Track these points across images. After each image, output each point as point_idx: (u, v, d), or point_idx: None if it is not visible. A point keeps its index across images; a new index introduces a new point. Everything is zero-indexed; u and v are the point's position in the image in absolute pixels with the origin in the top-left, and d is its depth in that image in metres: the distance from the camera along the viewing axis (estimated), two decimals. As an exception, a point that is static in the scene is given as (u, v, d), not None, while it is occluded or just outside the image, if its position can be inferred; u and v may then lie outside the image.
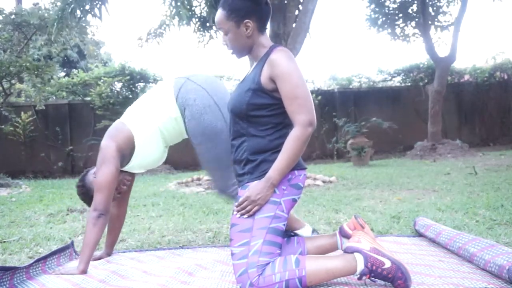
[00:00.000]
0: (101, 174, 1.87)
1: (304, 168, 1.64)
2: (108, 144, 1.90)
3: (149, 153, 2.00)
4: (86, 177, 2.07)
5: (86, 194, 2.05)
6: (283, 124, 1.59)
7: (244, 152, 1.60)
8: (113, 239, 2.21)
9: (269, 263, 1.50)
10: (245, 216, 1.53)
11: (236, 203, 1.57)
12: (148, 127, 1.96)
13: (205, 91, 1.95)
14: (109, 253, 2.20)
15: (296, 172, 1.59)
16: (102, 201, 1.86)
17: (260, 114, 1.57)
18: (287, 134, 1.55)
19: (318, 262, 1.51)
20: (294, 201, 1.60)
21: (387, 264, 1.46)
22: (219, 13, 1.61)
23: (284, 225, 1.56)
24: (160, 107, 1.97)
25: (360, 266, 1.48)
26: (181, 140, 2.16)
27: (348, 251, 1.53)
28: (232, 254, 1.53)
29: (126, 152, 1.94)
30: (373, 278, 1.51)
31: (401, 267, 1.46)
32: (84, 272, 1.81)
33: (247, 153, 1.59)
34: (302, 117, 1.49)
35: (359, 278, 1.49)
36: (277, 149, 1.56)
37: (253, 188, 1.53)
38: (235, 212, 1.57)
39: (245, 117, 1.59)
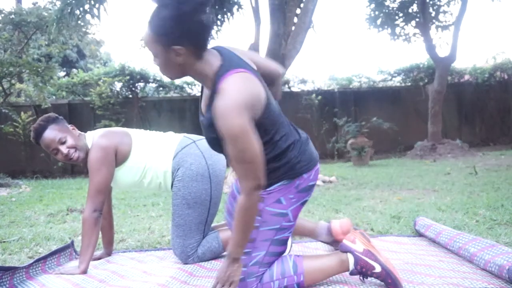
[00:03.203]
0: (101, 176, 1.86)
1: (313, 168, 1.52)
2: (108, 144, 1.90)
3: (126, 175, 1.99)
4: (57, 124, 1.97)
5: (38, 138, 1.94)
6: (268, 141, 1.43)
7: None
8: (110, 237, 2.21)
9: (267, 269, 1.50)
10: None
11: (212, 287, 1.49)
12: (140, 156, 1.97)
13: (204, 160, 1.96)
14: (109, 252, 2.19)
15: (305, 175, 1.49)
16: (101, 203, 1.86)
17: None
18: (276, 144, 1.44)
19: (315, 264, 1.51)
20: (303, 204, 1.53)
21: (377, 269, 1.47)
22: (146, 34, 1.31)
23: (290, 232, 1.51)
24: (158, 153, 1.99)
25: (351, 267, 1.51)
26: (155, 191, 2.15)
27: (342, 249, 1.54)
28: None
29: (116, 160, 1.95)
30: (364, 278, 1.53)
31: (391, 275, 1.46)
32: (84, 272, 1.81)
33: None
34: (248, 184, 1.33)
35: (351, 274, 1.52)
36: (272, 161, 1.45)
37: (220, 270, 1.46)
38: None
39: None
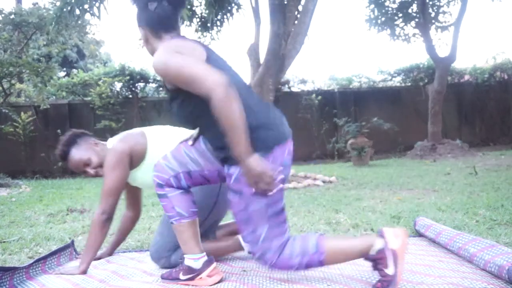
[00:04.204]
0: (113, 178, 1.83)
1: (284, 140, 1.49)
2: (123, 148, 1.86)
3: (146, 175, 1.95)
4: (77, 143, 1.98)
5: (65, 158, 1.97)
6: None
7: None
8: (120, 239, 2.21)
9: (287, 241, 1.50)
10: (239, 204, 1.49)
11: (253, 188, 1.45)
12: (156, 155, 1.90)
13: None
14: (110, 253, 2.19)
15: (277, 150, 1.46)
16: (112, 206, 1.83)
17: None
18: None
19: (338, 244, 1.50)
20: (283, 180, 1.50)
21: (390, 272, 1.44)
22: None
23: (281, 202, 1.51)
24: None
25: (373, 251, 1.47)
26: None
27: (379, 233, 1.51)
28: (245, 236, 1.53)
29: (133, 162, 1.92)
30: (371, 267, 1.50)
31: (392, 285, 1.44)
32: (84, 272, 1.81)
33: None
34: (207, 88, 1.38)
35: (366, 258, 1.49)
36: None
37: (248, 176, 1.41)
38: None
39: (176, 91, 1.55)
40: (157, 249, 1.88)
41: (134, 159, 1.89)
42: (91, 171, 1.94)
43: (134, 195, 2.17)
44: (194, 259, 1.63)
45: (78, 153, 1.93)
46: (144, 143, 1.92)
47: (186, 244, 1.63)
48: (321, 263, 1.49)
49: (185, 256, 1.65)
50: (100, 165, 1.92)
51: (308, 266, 1.50)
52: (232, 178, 1.49)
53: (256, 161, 1.38)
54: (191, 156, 1.63)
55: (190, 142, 1.66)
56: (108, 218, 1.83)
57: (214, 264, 1.64)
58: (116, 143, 1.89)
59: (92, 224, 1.83)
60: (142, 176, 1.96)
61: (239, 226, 1.54)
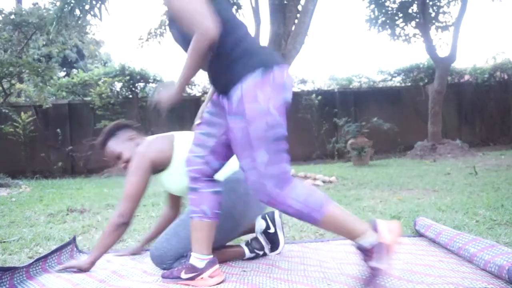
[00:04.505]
0: (132, 182, 1.81)
1: (283, 65, 1.52)
2: (146, 154, 1.84)
3: (172, 180, 1.93)
4: (115, 136, 2.00)
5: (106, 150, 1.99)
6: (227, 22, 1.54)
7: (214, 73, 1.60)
8: (153, 237, 2.19)
9: (289, 176, 1.51)
10: (237, 128, 1.50)
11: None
12: (183, 160, 1.87)
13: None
14: (139, 250, 2.18)
15: (276, 69, 1.48)
16: (130, 210, 1.81)
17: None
18: (235, 28, 1.54)
19: (338, 214, 1.49)
20: (286, 101, 1.51)
21: (380, 266, 1.43)
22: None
23: (282, 129, 1.50)
24: None
25: (365, 242, 1.46)
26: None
27: (372, 224, 1.51)
28: (244, 166, 1.52)
29: (157, 167, 1.89)
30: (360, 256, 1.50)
31: (381, 278, 1.44)
32: (91, 264, 1.82)
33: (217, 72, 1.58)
34: (197, 30, 1.44)
35: (357, 248, 1.49)
36: (237, 43, 1.52)
37: (164, 88, 1.54)
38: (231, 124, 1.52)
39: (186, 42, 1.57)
40: (161, 255, 1.84)
41: (158, 165, 1.87)
42: (120, 165, 1.97)
43: (174, 195, 2.16)
44: (200, 258, 1.63)
45: (113, 146, 1.97)
46: (170, 149, 1.89)
47: (198, 243, 1.63)
48: (314, 221, 1.49)
49: (192, 253, 1.65)
50: (129, 161, 1.93)
51: (300, 216, 1.50)
52: (233, 101, 1.48)
53: (176, 94, 1.51)
54: (205, 132, 1.66)
55: (198, 121, 1.69)
56: (124, 223, 1.80)
57: (217, 266, 1.64)
58: (142, 147, 1.87)
59: (108, 223, 1.82)
60: (168, 181, 1.94)
61: (238, 155, 1.53)
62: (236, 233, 1.94)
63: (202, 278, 1.62)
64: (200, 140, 1.67)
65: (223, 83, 1.54)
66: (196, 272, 1.62)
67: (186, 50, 1.58)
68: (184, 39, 1.56)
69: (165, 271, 1.75)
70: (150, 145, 1.88)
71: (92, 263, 1.83)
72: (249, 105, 1.46)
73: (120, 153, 1.96)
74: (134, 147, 1.95)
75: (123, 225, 1.81)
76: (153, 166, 1.85)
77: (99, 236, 1.84)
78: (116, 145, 1.97)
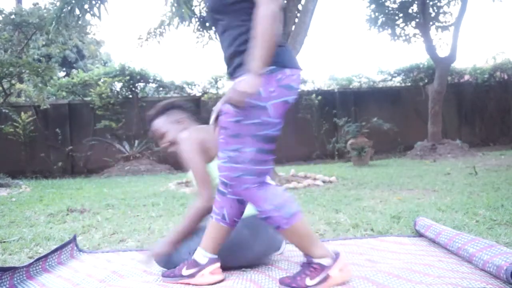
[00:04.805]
0: (199, 168, 1.77)
1: (295, 68, 1.53)
2: (193, 138, 1.82)
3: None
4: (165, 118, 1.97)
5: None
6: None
7: (230, 46, 1.54)
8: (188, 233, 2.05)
9: (266, 179, 1.53)
10: (231, 119, 1.48)
11: (225, 99, 1.47)
12: None
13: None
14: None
15: (287, 70, 1.49)
16: (211, 194, 1.74)
17: (234, 1, 1.50)
18: None
19: (303, 230, 1.53)
20: (286, 103, 1.50)
21: (309, 283, 1.51)
22: None
23: (275, 131, 1.50)
24: None
25: (315, 259, 1.54)
26: None
27: (335, 255, 1.56)
28: (227, 157, 1.51)
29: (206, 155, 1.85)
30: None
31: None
32: (171, 249, 1.76)
33: (233, 45, 1.53)
34: None
35: (305, 256, 1.57)
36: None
37: (238, 83, 1.42)
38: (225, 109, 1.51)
39: (222, 10, 1.53)
40: (166, 264, 1.80)
41: (204, 152, 1.83)
42: (161, 143, 1.96)
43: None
44: (204, 255, 1.64)
45: (159, 124, 1.96)
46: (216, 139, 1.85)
47: (208, 240, 1.64)
48: (279, 228, 1.53)
49: (198, 248, 1.66)
50: (173, 143, 1.93)
51: (269, 220, 1.53)
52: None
53: (257, 83, 1.39)
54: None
55: (213, 116, 1.61)
56: (208, 208, 1.73)
57: (218, 264, 1.65)
58: (186, 133, 1.84)
59: (193, 210, 1.75)
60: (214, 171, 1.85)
61: (225, 143, 1.51)
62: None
63: (202, 275, 1.62)
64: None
65: (233, 67, 1.54)
66: (197, 267, 1.63)
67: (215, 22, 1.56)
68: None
69: (166, 270, 1.75)
70: (196, 131, 1.85)
71: (173, 245, 1.76)
72: (248, 98, 1.45)
73: (164, 133, 1.95)
74: (179, 131, 1.92)
75: (208, 208, 1.73)
76: (202, 151, 1.81)
77: (180, 222, 1.79)
78: (163, 124, 1.96)
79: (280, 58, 1.49)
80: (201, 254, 1.65)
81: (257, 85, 1.40)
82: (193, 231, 1.78)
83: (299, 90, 1.57)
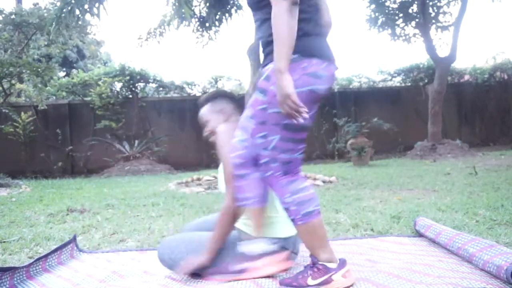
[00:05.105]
0: (230, 164, 1.69)
1: (325, 59, 1.50)
2: (229, 132, 1.77)
3: None
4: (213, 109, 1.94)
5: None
6: None
7: (262, 38, 1.59)
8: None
9: (298, 171, 1.56)
10: (257, 107, 1.52)
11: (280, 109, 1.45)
12: None
13: None
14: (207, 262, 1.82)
15: (314, 60, 1.48)
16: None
17: None
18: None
19: (317, 231, 1.54)
20: (313, 92, 1.48)
21: (310, 283, 1.52)
22: None
23: (303, 119, 1.45)
24: None
25: (321, 260, 1.54)
26: None
27: (340, 261, 1.56)
28: (256, 143, 1.55)
29: None
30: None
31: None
32: (208, 260, 1.68)
33: (264, 37, 1.57)
34: None
35: (311, 257, 1.57)
36: None
37: (276, 88, 1.44)
38: (255, 97, 1.54)
39: (254, 7, 1.59)
40: (171, 264, 1.78)
41: None
42: (205, 132, 1.94)
43: None
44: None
45: (204, 112, 1.95)
46: None
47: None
48: (294, 222, 1.54)
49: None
50: (213, 132, 1.89)
51: (288, 212, 1.54)
52: (263, 75, 1.53)
53: (287, 81, 1.40)
54: (245, 114, 1.64)
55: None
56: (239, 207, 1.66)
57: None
58: (224, 127, 1.78)
59: (223, 212, 1.67)
60: None
61: (254, 130, 1.54)
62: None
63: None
64: (242, 123, 1.64)
65: (264, 54, 1.58)
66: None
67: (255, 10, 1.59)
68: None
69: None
70: (235, 125, 1.76)
71: (210, 259, 1.69)
72: (273, 86, 1.47)
73: (207, 121, 1.93)
74: (221, 122, 1.88)
75: (239, 207, 1.66)
76: None
77: (219, 226, 1.69)
78: (207, 112, 1.94)
79: (307, 47, 1.49)
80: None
81: (289, 82, 1.40)
82: (228, 234, 1.69)
83: (332, 82, 1.54)
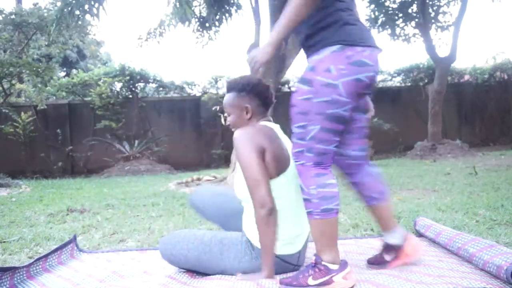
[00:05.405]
0: (251, 164, 1.57)
1: (368, 45, 1.52)
2: (254, 134, 1.66)
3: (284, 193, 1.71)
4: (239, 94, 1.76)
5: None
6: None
7: (306, 31, 1.62)
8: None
9: (330, 161, 1.57)
10: (300, 97, 1.54)
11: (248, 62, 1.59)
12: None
13: None
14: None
15: (358, 48, 1.49)
16: (265, 194, 1.54)
17: None
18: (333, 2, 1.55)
19: (331, 229, 1.54)
20: (359, 81, 1.50)
21: (310, 282, 1.51)
22: None
23: (345, 110, 1.51)
24: None
25: (325, 260, 1.53)
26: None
27: (343, 262, 1.56)
28: (292, 133, 1.58)
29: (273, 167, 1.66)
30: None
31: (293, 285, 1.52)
32: (270, 277, 1.56)
33: (308, 31, 1.61)
34: None
35: (315, 256, 1.56)
36: (325, 16, 1.55)
37: (255, 50, 1.57)
38: (294, 89, 1.59)
39: None
40: (170, 252, 1.77)
41: (275, 163, 1.62)
42: (227, 122, 1.81)
43: None
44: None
45: (228, 101, 1.76)
46: (286, 149, 1.66)
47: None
48: (311, 214, 1.54)
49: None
50: (232, 125, 1.78)
51: (306, 202, 1.54)
52: (307, 68, 1.55)
53: (269, 53, 1.53)
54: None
55: None
56: (269, 211, 1.53)
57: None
58: (247, 131, 1.64)
59: (256, 224, 1.56)
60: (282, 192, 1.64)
61: (294, 120, 1.57)
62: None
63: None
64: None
65: (306, 46, 1.61)
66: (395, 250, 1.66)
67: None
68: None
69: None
70: (256, 131, 1.64)
71: (271, 274, 1.57)
72: (319, 76, 1.50)
73: (228, 113, 1.78)
74: (240, 120, 1.75)
75: (270, 214, 1.53)
76: (259, 152, 1.60)
77: (260, 238, 1.58)
78: (230, 103, 1.76)
79: (349, 36, 1.51)
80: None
81: (267, 53, 1.52)
82: (274, 240, 1.56)
83: (377, 68, 1.57)
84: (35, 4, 10.44)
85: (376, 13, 8.90)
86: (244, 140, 1.60)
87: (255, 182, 1.55)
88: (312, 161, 1.54)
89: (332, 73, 1.48)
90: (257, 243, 1.65)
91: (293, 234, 1.67)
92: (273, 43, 1.52)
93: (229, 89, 1.79)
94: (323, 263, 1.53)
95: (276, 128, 1.76)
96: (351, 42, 1.50)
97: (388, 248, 1.76)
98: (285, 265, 1.70)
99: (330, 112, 1.50)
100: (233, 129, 1.77)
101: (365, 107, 1.72)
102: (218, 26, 6.63)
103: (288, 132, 1.66)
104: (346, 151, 1.69)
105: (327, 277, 1.51)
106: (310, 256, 1.91)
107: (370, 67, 1.52)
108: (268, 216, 1.53)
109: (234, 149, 1.64)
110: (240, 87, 1.75)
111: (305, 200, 1.55)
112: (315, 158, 1.54)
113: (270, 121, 1.78)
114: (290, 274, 1.65)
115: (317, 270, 1.53)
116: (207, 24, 6.64)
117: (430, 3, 8.74)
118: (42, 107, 8.02)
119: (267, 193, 1.55)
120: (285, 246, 1.66)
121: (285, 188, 1.65)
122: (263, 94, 1.76)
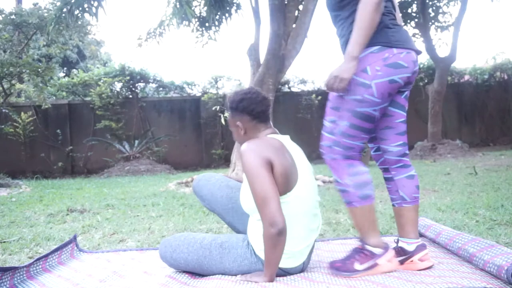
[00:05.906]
0: (260, 180, 1.52)
1: (406, 48, 1.59)
2: (261, 147, 1.62)
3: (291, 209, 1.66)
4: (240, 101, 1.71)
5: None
6: None
7: (343, 35, 1.66)
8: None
9: (359, 155, 1.64)
10: (334, 93, 1.61)
11: (325, 85, 1.62)
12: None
13: None
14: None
15: (394, 50, 1.56)
16: (275, 213, 1.48)
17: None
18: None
19: (368, 215, 1.61)
20: (393, 82, 1.56)
21: (357, 267, 1.59)
22: None
23: (375, 110, 1.58)
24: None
25: (368, 246, 1.61)
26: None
27: (384, 247, 1.63)
28: (324, 126, 1.68)
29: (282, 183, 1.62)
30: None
31: (346, 275, 1.58)
32: (271, 281, 1.54)
33: (345, 35, 1.65)
34: None
35: (360, 241, 1.66)
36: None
37: (337, 67, 1.57)
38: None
39: (336, 7, 1.67)
40: (171, 255, 1.77)
41: (282, 179, 1.56)
42: (233, 132, 1.78)
43: None
44: (408, 242, 1.68)
45: (228, 119, 1.78)
46: (294, 164, 1.61)
47: (403, 228, 1.71)
48: (349, 204, 1.62)
49: (400, 239, 1.72)
50: (237, 141, 1.78)
51: (343, 194, 1.63)
52: None
53: (352, 68, 1.52)
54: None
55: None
56: (279, 230, 1.47)
57: (427, 250, 1.67)
58: (253, 145, 1.59)
59: (264, 238, 1.51)
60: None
61: (327, 114, 1.65)
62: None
63: (412, 261, 1.65)
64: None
65: (345, 47, 1.64)
66: (406, 255, 1.66)
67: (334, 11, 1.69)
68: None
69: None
70: (262, 145, 1.59)
71: (271, 280, 1.55)
72: (355, 76, 1.56)
73: (231, 130, 1.78)
74: (241, 137, 1.75)
75: (280, 234, 1.48)
76: (267, 165, 1.55)
77: (266, 253, 1.54)
78: (229, 121, 1.76)
79: (387, 38, 1.58)
80: (405, 243, 1.69)
81: (351, 69, 1.53)
82: (279, 259, 1.53)
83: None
84: (35, 4, 10.45)
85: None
86: (252, 153, 1.55)
87: (264, 198, 1.49)
88: (341, 154, 1.61)
89: (367, 73, 1.55)
90: (260, 253, 1.63)
91: (298, 249, 1.63)
92: (356, 57, 1.53)
93: (227, 108, 1.81)
94: (367, 247, 1.60)
95: (285, 140, 1.69)
96: (389, 44, 1.56)
97: (400, 252, 1.73)
98: (288, 275, 1.67)
99: (359, 110, 1.57)
100: (239, 144, 1.76)
101: (403, 104, 1.73)
102: (218, 26, 6.63)
103: (287, 132, 1.66)
104: (386, 146, 1.73)
105: (372, 262, 1.58)
106: (314, 259, 1.91)
107: (406, 68, 1.58)
108: (278, 236, 1.48)
109: (242, 163, 1.57)
110: (229, 105, 1.75)
111: (341, 191, 1.63)
112: (343, 152, 1.61)
113: (276, 133, 1.74)
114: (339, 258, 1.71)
115: (362, 255, 1.59)
116: (207, 24, 6.64)
117: (430, 3, 8.74)
118: (46, 106, 8.02)
119: (277, 210, 1.48)
120: (288, 259, 1.62)
121: (291, 206, 1.59)
122: (249, 109, 1.67)
